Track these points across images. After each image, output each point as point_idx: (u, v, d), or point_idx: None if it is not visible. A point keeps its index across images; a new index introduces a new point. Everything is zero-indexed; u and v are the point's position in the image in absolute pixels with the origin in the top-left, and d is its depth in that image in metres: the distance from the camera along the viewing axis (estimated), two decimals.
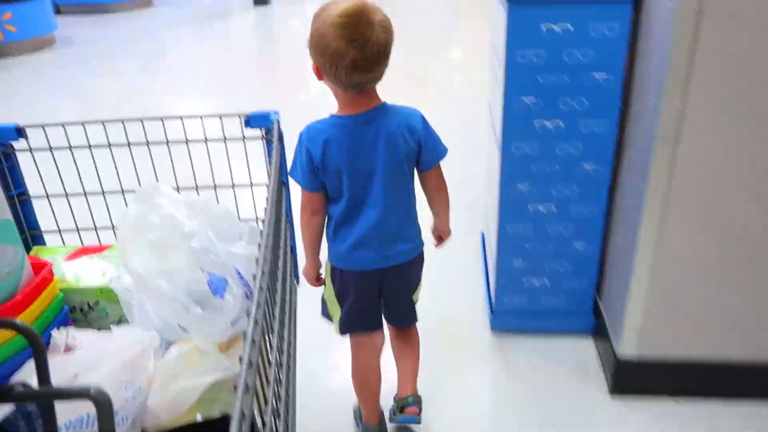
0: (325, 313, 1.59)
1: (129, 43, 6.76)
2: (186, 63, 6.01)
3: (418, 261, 1.50)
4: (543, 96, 1.69)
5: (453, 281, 2.36)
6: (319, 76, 1.30)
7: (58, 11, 7.78)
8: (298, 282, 1.57)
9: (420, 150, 1.37)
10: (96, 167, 1.38)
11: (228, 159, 1.41)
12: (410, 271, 1.50)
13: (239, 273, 1.18)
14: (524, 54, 1.64)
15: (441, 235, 1.60)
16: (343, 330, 1.53)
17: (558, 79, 1.66)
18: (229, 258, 1.17)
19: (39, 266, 1.08)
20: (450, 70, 5.44)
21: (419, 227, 1.49)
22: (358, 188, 1.35)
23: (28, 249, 1.34)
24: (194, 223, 1.15)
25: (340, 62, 1.21)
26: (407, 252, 1.45)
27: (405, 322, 1.61)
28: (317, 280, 1.54)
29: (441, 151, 1.41)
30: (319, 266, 1.52)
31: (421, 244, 1.50)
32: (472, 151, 3.48)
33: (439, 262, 2.50)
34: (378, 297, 1.50)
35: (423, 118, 1.39)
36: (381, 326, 1.57)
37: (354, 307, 1.49)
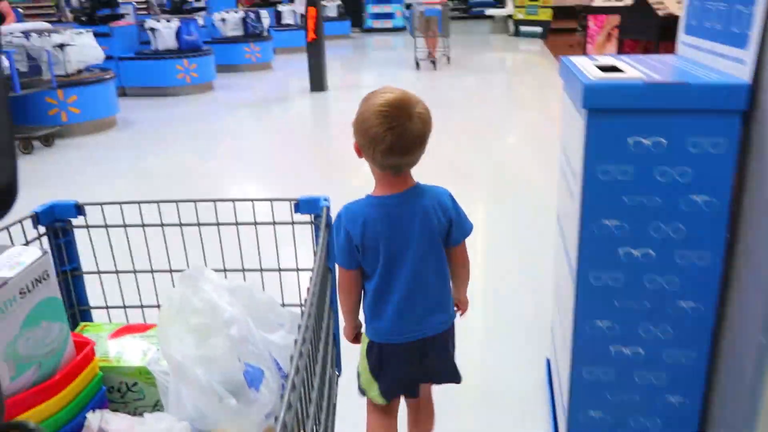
0: (362, 389, 1.61)
1: (187, 125, 6.91)
2: (242, 146, 6.04)
3: (451, 330, 1.57)
4: (630, 219, 1.41)
5: (511, 425, 2.01)
6: (359, 155, 1.41)
7: (124, 94, 8.14)
8: (339, 372, 1.51)
9: (450, 227, 1.45)
10: (147, 246, 1.40)
11: (276, 243, 1.41)
12: (447, 340, 1.55)
13: (277, 363, 1.15)
14: (607, 170, 1.38)
15: (459, 305, 1.64)
16: (387, 397, 1.57)
17: (648, 200, 1.39)
18: (268, 347, 1.16)
19: (82, 344, 1.09)
20: (510, 164, 5.20)
21: (452, 298, 1.56)
22: (393, 265, 1.43)
23: (76, 324, 1.37)
24: (235, 310, 1.12)
25: (378, 145, 1.32)
26: (444, 322, 1.52)
27: (453, 379, 1.63)
28: (355, 339, 1.61)
29: (468, 228, 1.50)
30: (359, 326, 1.59)
31: (454, 314, 1.57)
32: (536, 252, 3.21)
33: (496, 394, 2.19)
34: (419, 366, 1.54)
35: (452, 196, 1.48)
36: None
37: (395, 379, 1.54)
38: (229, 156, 5.67)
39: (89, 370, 1.08)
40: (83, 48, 6.25)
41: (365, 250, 1.42)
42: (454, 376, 1.62)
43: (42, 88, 5.68)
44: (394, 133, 1.30)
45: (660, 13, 5.88)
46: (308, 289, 1.06)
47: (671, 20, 5.94)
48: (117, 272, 1.45)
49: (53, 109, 5.97)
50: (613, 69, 1.46)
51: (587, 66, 1.51)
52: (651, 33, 6.04)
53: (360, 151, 1.39)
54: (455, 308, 1.62)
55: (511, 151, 5.71)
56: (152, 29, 8.31)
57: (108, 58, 7.47)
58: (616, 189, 1.39)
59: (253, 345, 1.10)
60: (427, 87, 8.57)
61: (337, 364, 1.52)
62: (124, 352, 1.23)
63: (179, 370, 1.02)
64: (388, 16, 17.77)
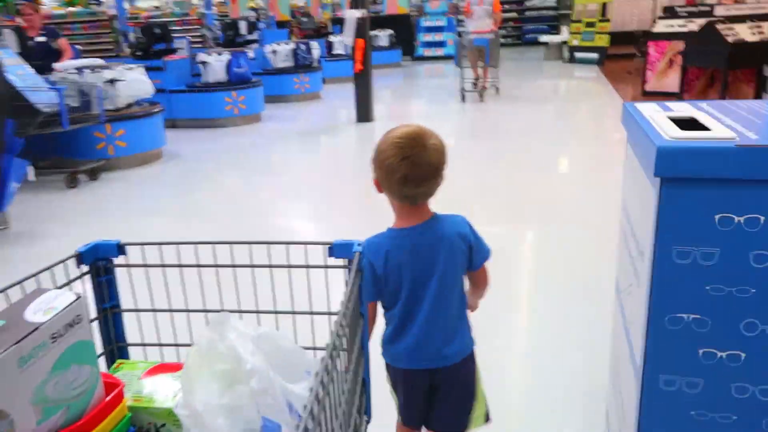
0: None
1: (230, 158, 6.87)
2: (282, 179, 5.94)
3: (469, 360, 1.57)
4: (714, 314, 1.12)
5: None
6: (379, 189, 1.48)
7: (174, 125, 8.24)
8: (369, 419, 1.46)
9: (471, 252, 1.50)
10: (184, 285, 1.40)
11: (309, 286, 1.38)
12: (462, 371, 1.55)
13: (299, 416, 1.10)
14: (685, 252, 1.10)
15: (469, 308, 1.64)
16: (404, 420, 1.62)
17: (739, 291, 1.09)
18: (290, 399, 1.12)
19: (111, 386, 1.11)
20: (560, 214, 4.83)
21: (470, 326, 1.57)
22: (414, 294, 1.47)
23: (113, 360, 1.44)
24: (256, 360, 1.09)
25: (393, 174, 1.39)
26: (460, 352, 1.53)
27: (452, 428, 1.61)
28: None
29: (487, 251, 1.54)
30: None
31: (472, 342, 1.57)
32: (590, 310, 2.89)
33: None
34: (427, 397, 1.57)
35: (469, 223, 1.53)
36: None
37: (405, 400, 1.59)
38: (268, 190, 5.59)
39: (117, 411, 1.10)
40: (133, 83, 6.32)
41: (388, 281, 1.47)
42: (457, 422, 1.58)
43: (91, 123, 5.75)
44: (408, 163, 1.37)
45: (730, 39, 5.46)
46: (327, 345, 0.98)
47: (742, 47, 5.52)
48: (154, 311, 1.50)
49: (101, 143, 6.04)
50: (694, 123, 1.19)
51: (659, 119, 1.23)
52: (719, 60, 5.62)
53: (379, 184, 1.46)
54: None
55: (560, 201, 5.34)
56: (203, 62, 8.42)
57: (160, 91, 7.59)
58: (697, 276, 1.10)
59: (272, 398, 1.09)
60: (470, 120, 8.30)
61: (367, 410, 1.47)
62: (156, 392, 1.25)
63: (199, 420, 1.04)
64: (440, 44, 17.68)
